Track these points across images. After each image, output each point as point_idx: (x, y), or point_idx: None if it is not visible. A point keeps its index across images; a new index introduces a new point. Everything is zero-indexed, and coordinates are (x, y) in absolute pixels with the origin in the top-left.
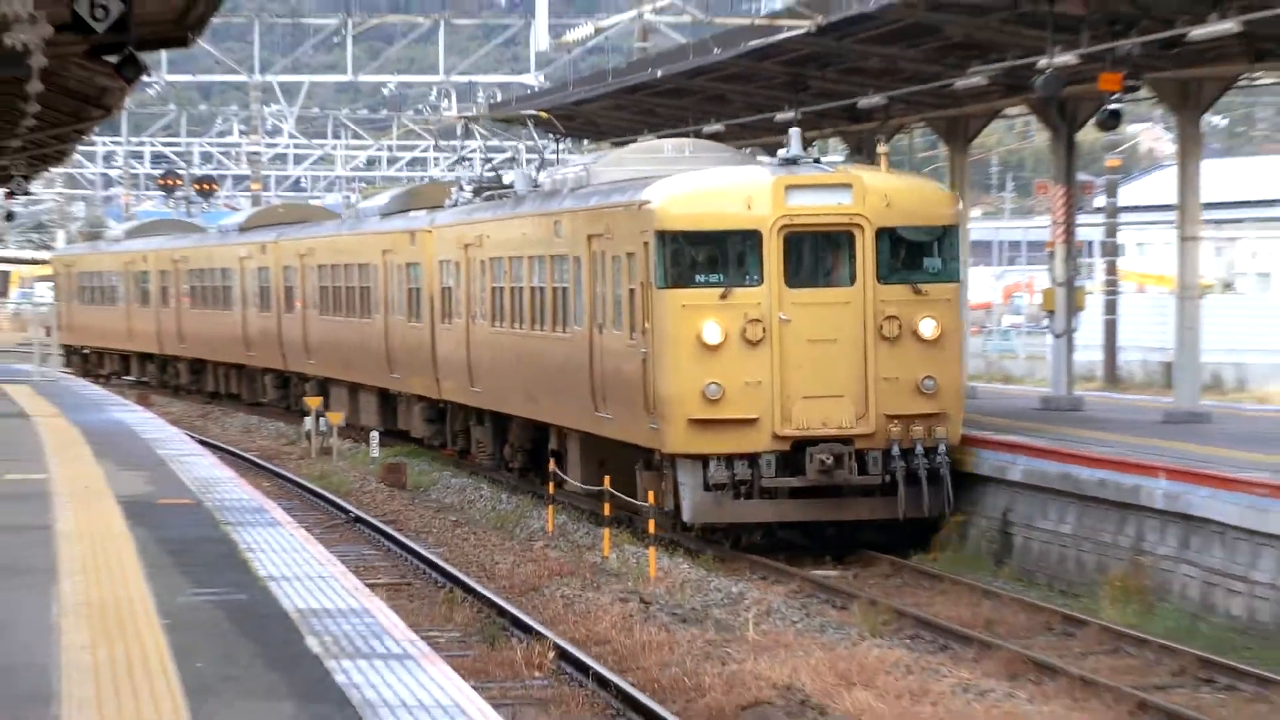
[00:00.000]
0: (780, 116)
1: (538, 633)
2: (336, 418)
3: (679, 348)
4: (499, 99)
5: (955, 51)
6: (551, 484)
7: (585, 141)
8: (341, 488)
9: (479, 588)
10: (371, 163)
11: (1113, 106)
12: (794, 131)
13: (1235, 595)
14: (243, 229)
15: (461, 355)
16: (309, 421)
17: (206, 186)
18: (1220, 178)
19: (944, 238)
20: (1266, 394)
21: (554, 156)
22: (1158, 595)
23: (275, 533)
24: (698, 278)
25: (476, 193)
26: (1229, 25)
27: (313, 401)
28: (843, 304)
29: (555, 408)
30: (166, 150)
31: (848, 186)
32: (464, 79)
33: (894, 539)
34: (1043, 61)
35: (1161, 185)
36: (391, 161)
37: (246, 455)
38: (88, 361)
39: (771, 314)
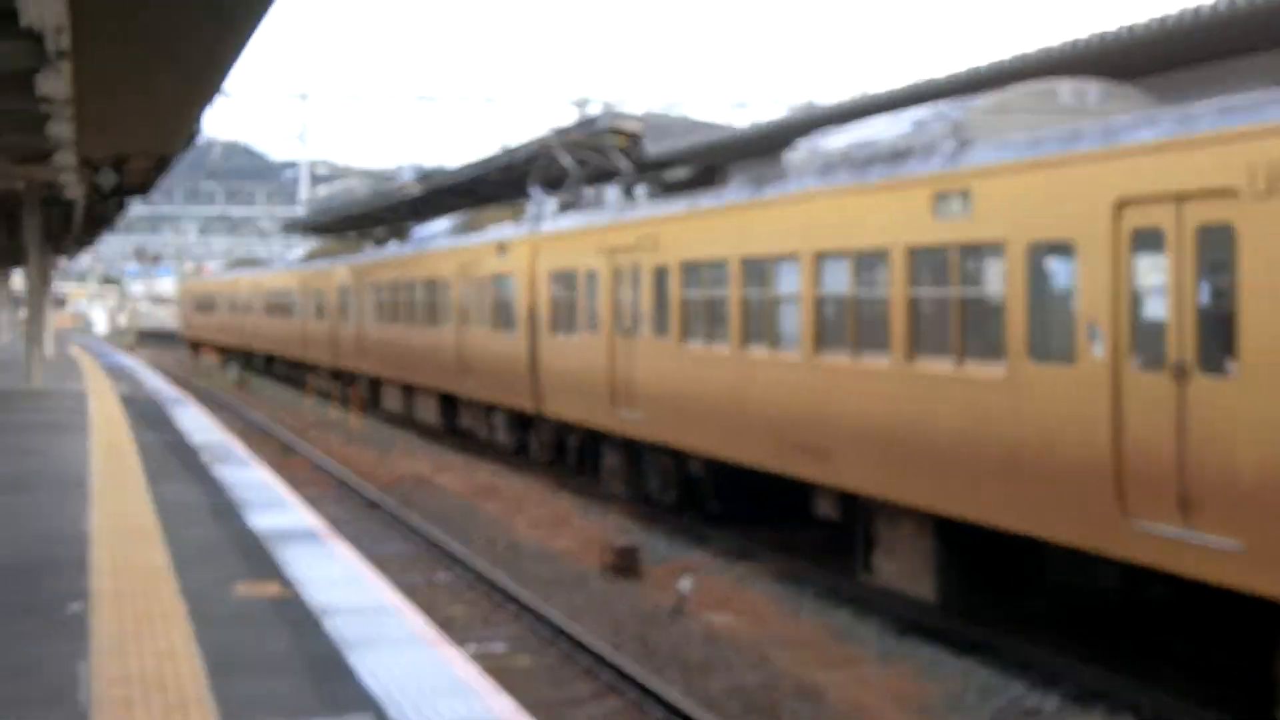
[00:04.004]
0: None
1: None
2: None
3: None
4: None
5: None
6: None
7: None
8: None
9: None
10: None
11: None
12: None
13: None
14: (304, 260)
15: (598, 372)
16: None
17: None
18: None
19: None
20: None
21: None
22: None
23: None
24: None
25: (564, 207)
26: None
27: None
28: None
29: (870, 471)
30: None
31: None
32: None
33: None
34: None
35: None
36: None
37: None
38: (197, 351)
39: None
